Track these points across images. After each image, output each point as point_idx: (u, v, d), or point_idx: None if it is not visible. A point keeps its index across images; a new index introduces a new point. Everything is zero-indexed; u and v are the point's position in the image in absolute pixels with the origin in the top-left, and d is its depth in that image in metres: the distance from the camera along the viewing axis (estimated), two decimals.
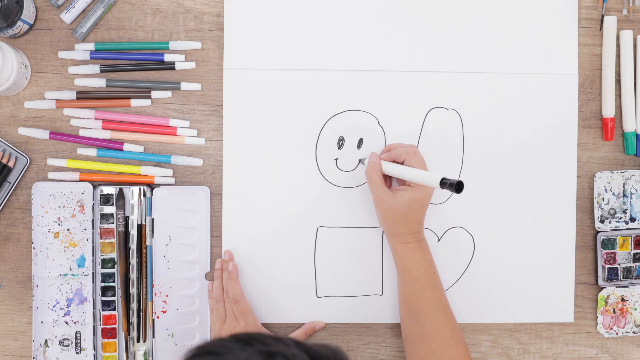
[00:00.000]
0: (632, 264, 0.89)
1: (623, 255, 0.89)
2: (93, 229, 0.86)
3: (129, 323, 0.86)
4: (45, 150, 0.86)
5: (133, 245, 0.86)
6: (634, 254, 0.89)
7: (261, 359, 0.51)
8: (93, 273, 0.86)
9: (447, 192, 0.88)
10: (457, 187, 0.73)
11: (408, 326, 0.82)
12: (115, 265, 0.86)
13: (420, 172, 0.79)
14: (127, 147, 0.86)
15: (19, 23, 0.81)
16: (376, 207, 0.83)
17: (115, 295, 0.86)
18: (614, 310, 0.90)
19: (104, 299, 0.86)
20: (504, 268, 0.89)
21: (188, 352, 0.54)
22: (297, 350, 0.52)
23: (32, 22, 0.85)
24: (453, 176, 0.78)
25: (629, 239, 0.89)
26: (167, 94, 0.86)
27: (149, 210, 0.86)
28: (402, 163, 0.82)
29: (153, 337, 0.86)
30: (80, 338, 0.86)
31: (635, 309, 0.90)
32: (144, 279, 0.86)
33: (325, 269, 0.88)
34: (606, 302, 0.89)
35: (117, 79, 0.86)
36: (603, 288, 0.89)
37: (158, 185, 0.87)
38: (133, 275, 0.86)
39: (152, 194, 0.86)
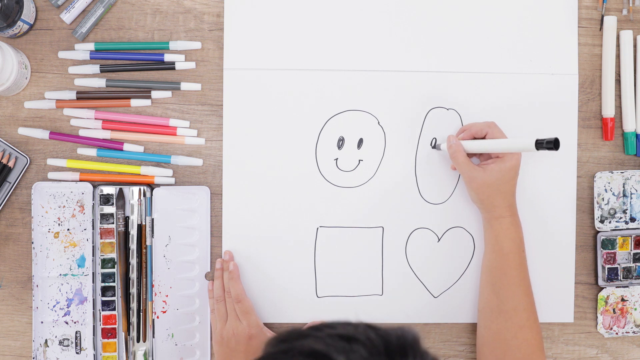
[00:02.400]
0: (632, 264, 0.89)
1: (623, 255, 0.89)
2: (93, 229, 0.86)
3: (129, 323, 0.86)
4: (45, 150, 0.86)
5: (133, 245, 0.86)
6: (634, 254, 0.89)
7: (340, 341, 0.51)
8: (93, 273, 0.86)
9: (448, 192, 0.88)
10: (555, 144, 0.72)
11: (487, 300, 0.83)
12: (115, 265, 0.86)
13: (513, 140, 0.80)
14: (127, 147, 0.86)
15: (19, 23, 0.81)
16: (469, 187, 0.83)
17: (115, 295, 0.86)
18: (614, 310, 0.90)
19: (104, 299, 0.86)
20: None
21: (267, 344, 0.54)
22: (370, 332, 0.52)
23: (32, 22, 0.85)
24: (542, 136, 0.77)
25: (629, 239, 0.89)
26: (167, 94, 0.86)
27: (149, 210, 0.86)
28: (483, 137, 0.83)
29: (153, 337, 0.86)
30: (80, 338, 0.86)
31: (635, 309, 0.90)
32: (144, 279, 0.86)
33: (325, 269, 0.88)
34: (606, 302, 0.89)
35: (117, 79, 0.86)
36: (603, 288, 0.89)
37: (158, 185, 0.87)
38: (133, 275, 0.86)
39: (152, 194, 0.86)
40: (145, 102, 0.86)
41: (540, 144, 0.73)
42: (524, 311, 0.81)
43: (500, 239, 0.82)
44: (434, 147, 0.87)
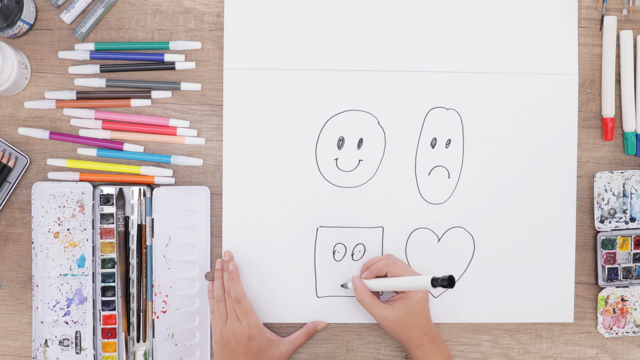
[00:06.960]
0: (632, 264, 0.89)
1: (623, 255, 0.89)
2: (93, 229, 0.86)
3: (129, 323, 0.86)
4: (45, 150, 0.86)
5: (133, 245, 0.86)
6: (634, 254, 0.89)
7: None
8: (93, 273, 0.86)
9: (448, 192, 0.88)
10: (449, 282, 0.73)
11: None
12: (115, 265, 0.86)
13: (409, 280, 0.80)
14: (127, 147, 0.86)
15: (19, 23, 0.81)
16: (381, 325, 0.83)
17: (115, 295, 0.86)
18: (614, 310, 0.90)
19: (104, 299, 0.86)
20: (504, 268, 0.89)
21: None
22: None
23: (32, 22, 0.85)
24: (441, 272, 0.78)
25: (629, 239, 0.89)
26: (167, 94, 0.86)
27: (149, 210, 0.86)
28: (385, 275, 0.84)
29: (153, 337, 0.86)
30: (80, 338, 0.86)
31: (635, 309, 0.90)
32: (144, 279, 0.86)
33: (325, 269, 0.88)
34: (606, 302, 0.89)
35: (117, 79, 0.86)
36: (603, 288, 0.89)
37: (158, 185, 0.87)
38: (133, 275, 0.86)
39: (152, 194, 0.86)
40: (145, 102, 0.86)
41: (435, 282, 0.74)
42: None
43: None
44: (342, 286, 0.88)
